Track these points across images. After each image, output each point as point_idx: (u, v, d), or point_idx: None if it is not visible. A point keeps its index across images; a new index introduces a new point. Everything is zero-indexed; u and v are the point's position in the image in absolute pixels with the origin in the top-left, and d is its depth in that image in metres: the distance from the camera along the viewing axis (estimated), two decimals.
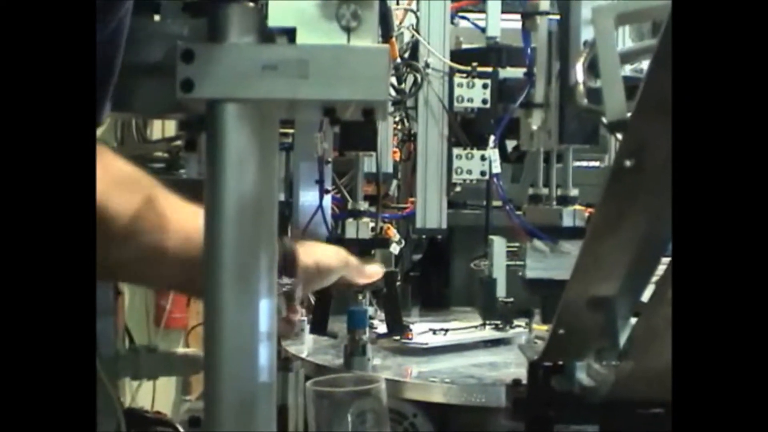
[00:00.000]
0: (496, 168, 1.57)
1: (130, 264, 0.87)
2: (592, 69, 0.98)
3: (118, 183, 0.84)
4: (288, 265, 0.97)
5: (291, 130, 1.79)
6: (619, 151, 0.68)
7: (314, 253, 1.05)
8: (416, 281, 2.08)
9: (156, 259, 0.88)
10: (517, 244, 1.48)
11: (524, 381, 0.94)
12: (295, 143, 1.78)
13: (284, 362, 1.48)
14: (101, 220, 0.78)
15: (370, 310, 1.48)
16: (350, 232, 1.50)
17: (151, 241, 0.87)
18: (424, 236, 2.07)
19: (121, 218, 0.83)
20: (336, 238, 1.51)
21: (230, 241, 0.67)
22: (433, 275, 2.08)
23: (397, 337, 1.49)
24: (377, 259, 1.47)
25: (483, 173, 1.78)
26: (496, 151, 1.57)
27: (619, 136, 0.76)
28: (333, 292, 1.29)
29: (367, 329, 1.39)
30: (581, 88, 0.89)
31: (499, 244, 1.56)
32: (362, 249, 1.45)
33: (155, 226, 0.87)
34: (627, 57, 0.87)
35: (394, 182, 2.04)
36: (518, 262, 1.45)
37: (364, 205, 1.55)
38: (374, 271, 1.17)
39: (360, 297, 1.46)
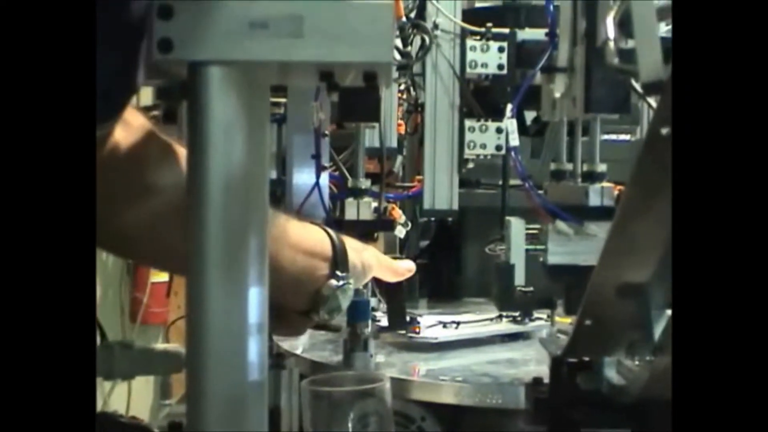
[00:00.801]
0: (514, 141, 1.56)
1: (151, 223, 0.87)
2: (623, 28, 0.97)
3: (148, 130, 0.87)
4: (341, 258, 0.98)
5: (283, 99, 1.78)
6: (654, 118, 0.67)
7: (357, 250, 1.07)
8: (424, 269, 2.08)
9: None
10: (537, 226, 1.47)
11: (546, 379, 0.94)
12: (288, 114, 1.78)
13: (277, 359, 1.48)
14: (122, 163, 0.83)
15: (373, 301, 1.48)
16: (350, 213, 1.50)
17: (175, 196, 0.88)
18: (432, 219, 2.07)
19: (147, 166, 0.86)
20: (335, 220, 1.51)
21: (216, 223, 0.66)
22: (443, 262, 2.08)
23: (403, 332, 1.49)
24: (380, 243, 1.47)
25: (499, 147, 1.78)
26: (514, 121, 1.56)
27: (654, 102, 0.76)
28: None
29: (370, 322, 1.39)
30: (612, 45, 0.89)
31: (517, 227, 1.55)
32: (363, 232, 1.45)
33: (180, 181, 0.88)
34: (664, 12, 0.86)
35: (399, 158, 2.04)
36: (539, 246, 1.45)
37: (365, 183, 1.55)
38: (407, 267, 1.19)
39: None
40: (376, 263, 1.11)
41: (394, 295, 1.46)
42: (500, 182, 1.91)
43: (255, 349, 0.68)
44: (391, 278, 1.17)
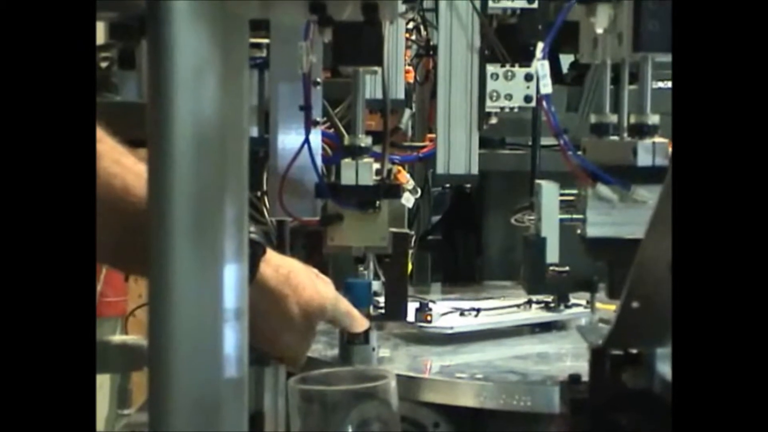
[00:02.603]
0: (546, 87, 1.55)
1: None
2: None
3: None
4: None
5: (266, 40, 1.78)
6: None
7: (300, 292, 1.09)
8: (437, 246, 2.09)
9: None
10: (574, 192, 1.47)
11: (585, 377, 0.94)
12: (272, 57, 1.77)
13: (259, 353, 1.48)
14: None
15: (375, 284, 1.49)
16: (347, 177, 1.49)
17: None
18: (447, 186, 2.06)
19: None
20: (328, 185, 1.50)
21: (184, 188, 0.67)
22: (460, 238, 2.09)
23: (410, 320, 1.50)
24: (383, 214, 1.46)
25: (527, 98, 1.77)
26: (546, 63, 1.54)
27: None
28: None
29: (371, 309, 1.39)
30: None
31: (549, 192, 1.55)
32: (362, 200, 1.45)
33: None
34: None
35: (407, 112, 2.03)
36: (576, 216, 1.44)
37: (365, 141, 1.54)
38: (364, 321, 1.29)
39: (360, 266, 1.46)
40: (332, 305, 1.18)
41: (397, 276, 1.46)
42: (529, 141, 1.91)
43: (232, 341, 0.68)
44: (357, 328, 1.29)
